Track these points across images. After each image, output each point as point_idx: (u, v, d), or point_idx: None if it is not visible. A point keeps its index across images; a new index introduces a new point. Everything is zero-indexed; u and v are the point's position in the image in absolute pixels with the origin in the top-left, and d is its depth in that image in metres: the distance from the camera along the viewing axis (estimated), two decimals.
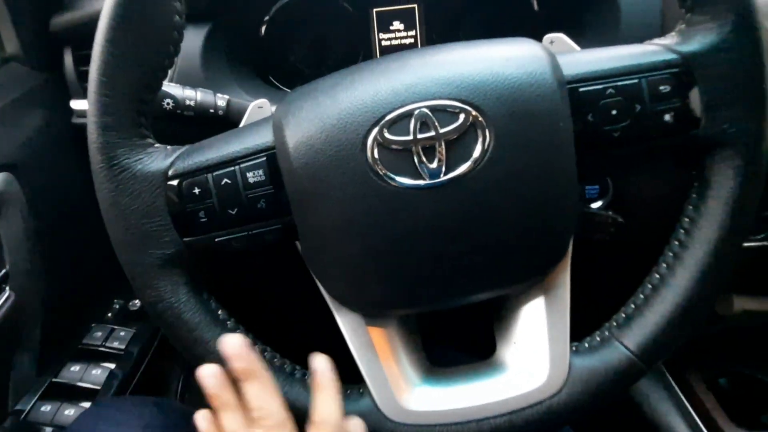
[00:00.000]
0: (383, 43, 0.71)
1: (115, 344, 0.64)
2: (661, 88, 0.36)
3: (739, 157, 0.36)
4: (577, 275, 0.41)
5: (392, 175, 0.35)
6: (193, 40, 0.59)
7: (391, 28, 0.70)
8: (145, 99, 0.38)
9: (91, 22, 0.62)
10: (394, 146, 0.35)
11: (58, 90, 0.66)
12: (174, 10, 0.38)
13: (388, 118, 0.35)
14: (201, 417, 0.39)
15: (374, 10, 0.69)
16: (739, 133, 0.36)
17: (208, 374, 0.37)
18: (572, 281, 0.41)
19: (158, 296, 0.39)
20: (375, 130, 0.35)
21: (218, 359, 0.39)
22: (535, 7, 0.68)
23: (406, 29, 0.70)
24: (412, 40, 0.70)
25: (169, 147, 0.40)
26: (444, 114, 0.34)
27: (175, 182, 0.38)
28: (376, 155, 0.35)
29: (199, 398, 0.38)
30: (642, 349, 0.39)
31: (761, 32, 0.35)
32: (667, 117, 0.36)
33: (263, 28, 0.68)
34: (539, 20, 0.68)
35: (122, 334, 0.65)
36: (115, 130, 0.37)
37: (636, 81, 0.36)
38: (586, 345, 0.41)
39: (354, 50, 0.71)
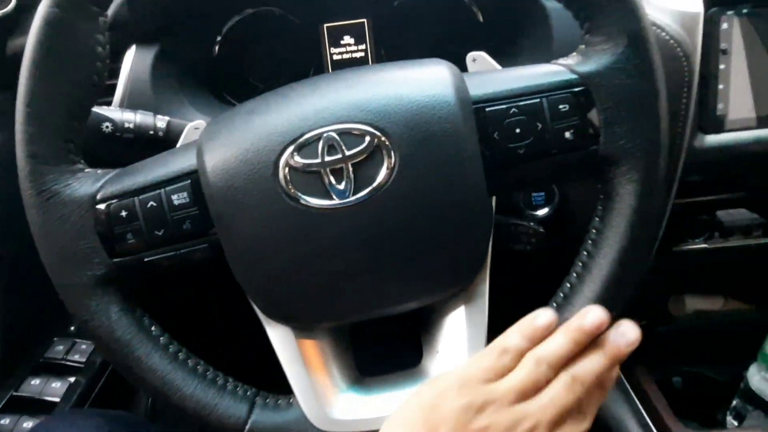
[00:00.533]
0: (335, 57, 0.72)
1: (77, 357, 0.66)
2: (561, 107, 0.38)
3: (637, 171, 0.38)
4: (502, 283, 0.43)
5: (304, 197, 0.37)
6: (142, 61, 0.61)
7: (342, 42, 0.72)
8: (71, 127, 0.40)
9: None
10: (304, 169, 0.36)
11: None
12: (96, 42, 0.39)
13: (297, 142, 0.36)
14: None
15: (325, 25, 0.71)
16: (636, 148, 0.38)
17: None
18: (498, 289, 0.43)
19: (90, 315, 0.40)
20: (286, 154, 0.36)
21: (152, 373, 0.40)
22: (480, 18, 0.69)
23: (356, 43, 0.72)
24: (362, 54, 0.72)
25: (99, 171, 0.42)
26: (350, 137, 0.36)
27: (103, 206, 0.39)
28: (287, 177, 0.36)
29: (169, 413, 0.40)
30: None
31: (653, 52, 0.37)
32: (568, 134, 0.38)
33: (216, 48, 0.70)
34: (483, 32, 0.70)
35: (84, 347, 0.67)
36: (42, 158, 0.39)
37: (538, 100, 0.38)
38: None
39: (306, 64, 0.73)
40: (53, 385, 0.62)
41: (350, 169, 0.36)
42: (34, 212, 0.39)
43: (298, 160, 0.36)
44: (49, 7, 0.37)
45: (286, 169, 0.36)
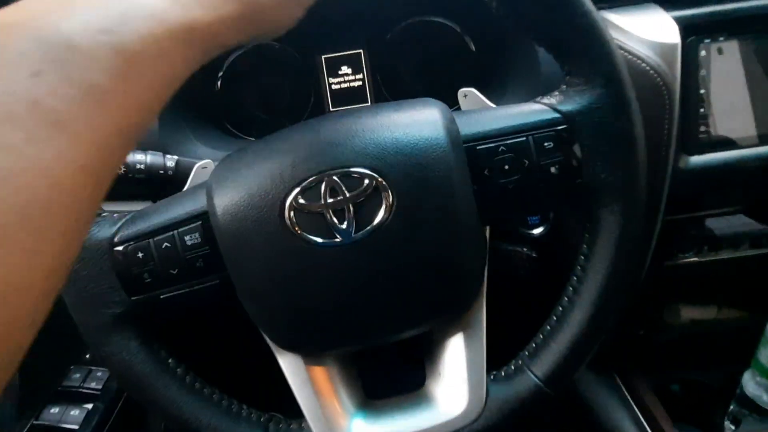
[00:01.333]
0: (333, 86, 0.75)
1: (93, 384, 0.68)
2: (546, 144, 0.41)
3: (617, 202, 0.41)
4: (499, 307, 0.46)
5: (308, 236, 0.39)
6: None
7: (340, 72, 0.75)
8: None
9: None
10: (308, 210, 0.39)
11: None
12: None
13: (302, 185, 0.39)
14: None
15: (323, 56, 0.74)
16: (616, 180, 0.40)
17: None
18: (494, 313, 0.45)
19: (111, 351, 0.43)
20: (291, 197, 0.39)
21: (171, 404, 0.43)
22: (472, 47, 0.72)
23: (353, 73, 0.75)
24: (360, 83, 0.75)
25: (115, 215, 0.44)
26: (351, 179, 0.39)
27: (120, 248, 0.42)
28: (293, 218, 0.39)
29: None
30: (547, 377, 0.43)
31: (627, 91, 0.40)
32: (553, 169, 0.41)
33: (218, 83, 0.73)
34: (476, 61, 0.73)
35: (99, 374, 0.69)
36: None
37: (524, 139, 0.41)
38: (503, 374, 0.45)
39: (306, 94, 0.76)
40: (72, 413, 0.65)
41: (351, 209, 0.39)
42: None
43: (303, 202, 0.39)
44: None
45: (292, 211, 0.39)
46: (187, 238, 0.42)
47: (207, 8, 0.28)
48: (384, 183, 0.39)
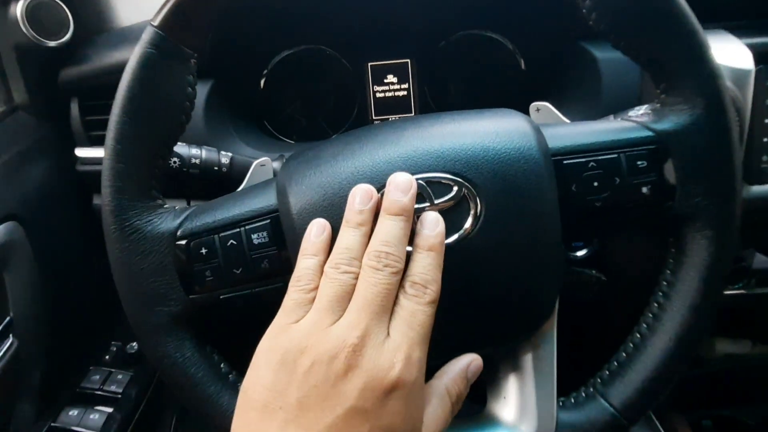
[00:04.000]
0: (377, 95, 0.74)
1: (113, 387, 0.65)
2: (638, 162, 0.39)
3: (710, 229, 0.39)
4: (565, 331, 0.44)
5: None
6: (197, 96, 0.62)
7: (385, 81, 0.74)
8: (156, 165, 0.40)
9: (100, 75, 0.66)
10: None
11: (63, 139, 0.68)
12: (187, 83, 0.40)
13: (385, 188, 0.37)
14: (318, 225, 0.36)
15: (369, 64, 0.73)
16: (711, 206, 0.39)
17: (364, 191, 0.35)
18: (560, 337, 0.43)
19: (164, 353, 0.40)
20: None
21: (222, 414, 0.40)
22: (522, 66, 0.71)
23: (399, 82, 0.74)
24: (405, 93, 0.74)
25: (177, 207, 0.42)
26: (438, 186, 0.37)
27: (183, 242, 0.40)
28: None
29: None
30: (625, 406, 0.41)
31: (730, 114, 0.39)
32: (645, 189, 0.39)
33: (263, 81, 0.71)
34: (526, 78, 0.72)
35: (120, 377, 0.66)
36: (127, 194, 0.39)
37: (615, 155, 0.39)
38: (572, 400, 0.43)
39: (350, 101, 0.74)
40: (91, 416, 0.61)
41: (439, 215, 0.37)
42: (116, 247, 0.39)
43: None
44: (147, 48, 0.38)
45: None
46: (254, 236, 0.40)
47: None
48: (473, 191, 0.37)
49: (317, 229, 0.36)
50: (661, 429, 0.74)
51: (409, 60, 0.73)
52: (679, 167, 0.39)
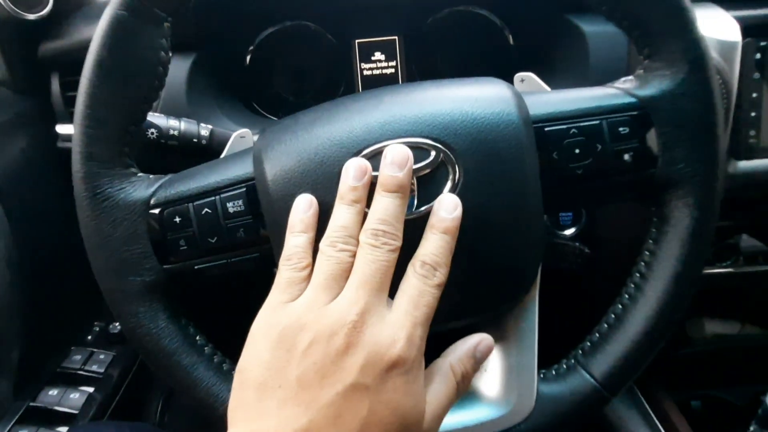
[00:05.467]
0: (365, 72, 0.73)
1: (95, 367, 0.64)
2: (621, 129, 0.38)
3: (693, 196, 0.38)
4: (547, 303, 0.43)
5: (367, 209, 0.36)
6: (178, 69, 0.61)
7: (373, 58, 0.73)
8: (129, 130, 0.39)
9: (80, 50, 0.63)
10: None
11: (44, 114, 0.67)
12: (160, 46, 0.39)
13: (362, 154, 0.36)
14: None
15: (356, 41, 0.72)
16: (693, 172, 0.38)
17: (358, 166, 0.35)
18: (542, 309, 0.43)
19: (137, 323, 0.39)
20: None
21: (196, 384, 0.40)
22: (510, 41, 0.70)
23: (386, 60, 0.73)
24: (392, 71, 0.73)
25: (151, 176, 0.41)
26: (416, 151, 0.36)
27: (156, 211, 0.39)
28: None
29: (178, 422, 0.39)
30: (606, 377, 0.40)
31: (713, 79, 0.38)
32: (626, 156, 0.39)
33: (248, 57, 0.70)
34: (514, 54, 0.71)
35: (102, 357, 0.66)
36: (98, 161, 0.38)
37: (597, 122, 0.39)
38: (554, 372, 0.42)
39: (336, 79, 0.73)
40: (71, 396, 0.61)
41: (415, 182, 0.36)
42: (88, 214, 0.39)
43: None
44: (117, 9, 0.37)
45: None
46: (229, 204, 0.39)
47: None
48: (452, 156, 0.36)
49: (304, 204, 0.36)
50: (649, 409, 0.74)
51: (396, 37, 0.72)
52: (662, 133, 0.38)
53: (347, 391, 0.29)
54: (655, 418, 0.72)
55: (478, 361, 0.36)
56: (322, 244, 0.34)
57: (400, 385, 0.30)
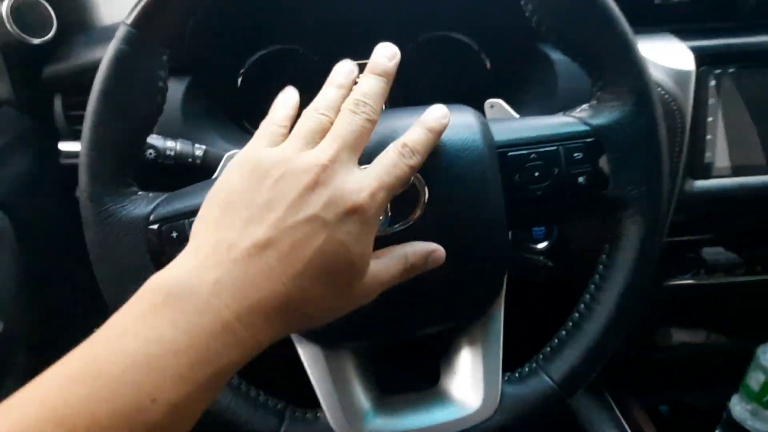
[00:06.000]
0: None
1: None
2: (575, 154, 0.43)
3: (641, 215, 0.43)
4: (513, 311, 0.47)
5: None
6: (173, 92, 0.64)
7: (357, 80, 0.77)
8: (130, 153, 0.43)
9: (82, 72, 0.68)
10: None
11: (47, 132, 0.70)
12: (158, 77, 0.43)
13: None
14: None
15: None
16: (641, 194, 0.43)
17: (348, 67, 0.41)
18: (509, 317, 0.47)
19: None
20: None
21: None
22: (488, 65, 0.75)
23: None
24: None
25: (150, 194, 0.45)
26: None
27: (155, 226, 0.43)
28: None
29: None
30: (563, 380, 0.44)
31: (657, 111, 0.42)
32: (581, 179, 0.43)
33: (239, 80, 0.74)
34: (490, 77, 0.75)
35: None
36: (103, 181, 0.42)
37: (555, 148, 0.43)
38: (517, 375, 0.46)
39: None
40: None
41: (388, 204, 0.40)
42: (93, 230, 0.42)
43: None
44: (121, 44, 0.41)
45: None
46: None
47: (236, 346, 0.31)
48: (421, 180, 0.40)
49: (288, 93, 0.42)
50: (619, 414, 0.78)
51: None
52: (612, 159, 0.43)
53: (308, 220, 0.32)
54: (624, 423, 0.76)
55: (426, 265, 0.39)
56: (304, 112, 0.37)
57: (355, 230, 0.33)
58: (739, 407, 0.76)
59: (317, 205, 0.32)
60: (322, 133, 0.36)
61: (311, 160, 0.33)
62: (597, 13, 0.41)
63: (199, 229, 0.35)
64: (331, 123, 0.36)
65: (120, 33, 0.41)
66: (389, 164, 0.36)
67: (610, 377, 0.84)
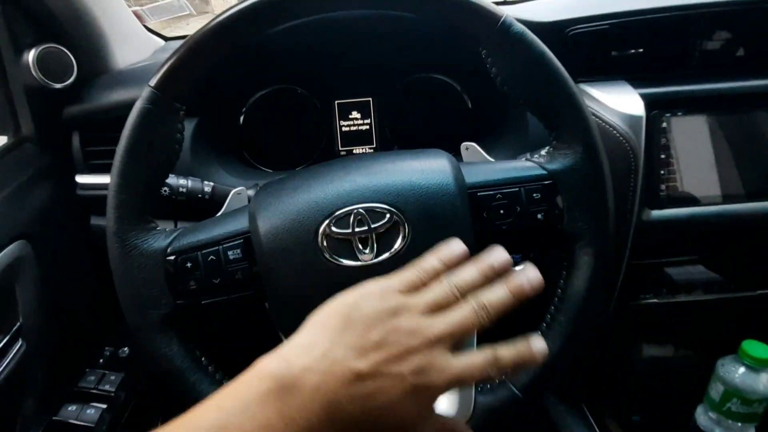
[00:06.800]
0: (343, 128, 0.84)
1: (107, 387, 0.74)
2: (534, 195, 0.50)
3: (591, 246, 0.50)
4: (488, 331, 0.53)
5: (337, 258, 0.47)
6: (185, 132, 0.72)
7: (350, 116, 0.84)
8: (151, 194, 0.50)
9: (98, 112, 0.75)
10: (338, 236, 0.47)
11: (65, 166, 0.77)
12: (176, 129, 0.50)
13: (334, 215, 0.47)
14: None
15: (336, 101, 0.84)
16: (590, 229, 0.49)
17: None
18: (484, 335, 0.53)
19: (155, 347, 0.49)
20: (324, 225, 0.47)
21: (199, 398, 0.49)
22: (469, 105, 0.82)
23: (362, 118, 0.84)
24: (367, 127, 0.84)
25: (168, 229, 0.52)
26: (375, 213, 0.47)
27: (172, 258, 0.49)
28: (324, 243, 0.47)
29: None
30: (525, 389, 0.51)
31: (602, 158, 0.49)
32: (539, 216, 0.50)
33: (242, 118, 0.81)
34: (472, 117, 0.83)
35: (113, 378, 0.75)
36: (127, 219, 0.49)
37: (517, 189, 0.50)
38: (488, 386, 0.53)
39: (319, 134, 0.84)
40: (87, 411, 0.70)
41: (374, 238, 0.47)
42: (118, 262, 0.49)
43: (334, 230, 0.47)
44: (145, 103, 0.48)
45: (324, 237, 0.47)
46: (230, 253, 0.49)
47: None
48: (402, 218, 0.47)
49: (460, 249, 0.42)
50: (594, 425, 0.84)
51: (371, 98, 0.84)
52: (565, 198, 0.50)
53: (396, 376, 0.36)
54: None
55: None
56: (442, 277, 0.40)
57: (422, 403, 0.37)
58: (703, 417, 0.82)
59: (410, 368, 0.36)
60: (447, 306, 0.39)
61: (426, 326, 0.37)
62: (548, 78, 0.48)
63: (316, 326, 0.39)
64: (456, 300, 0.39)
65: (145, 94, 0.48)
66: (474, 363, 0.38)
67: (588, 390, 0.90)
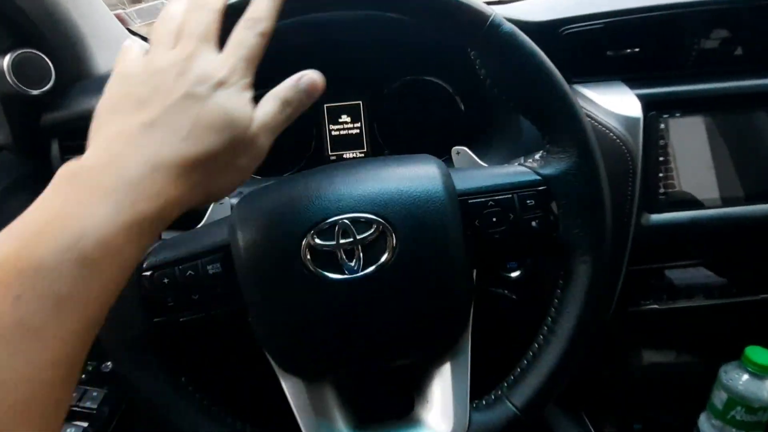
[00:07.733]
0: (333, 132, 0.82)
1: (88, 404, 0.71)
2: (528, 201, 0.47)
3: (588, 254, 0.47)
4: (482, 344, 0.51)
5: (321, 271, 0.44)
6: None
7: (340, 120, 0.82)
8: None
9: (77, 119, 0.73)
10: (322, 248, 0.44)
11: (43, 175, 0.74)
12: None
13: (318, 227, 0.44)
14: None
15: (325, 105, 0.81)
16: (587, 236, 0.47)
17: None
18: (478, 349, 0.51)
19: (131, 369, 0.47)
20: (307, 237, 0.44)
21: (182, 419, 0.47)
22: (462, 107, 0.80)
23: (352, 121, 0.82)
24: (357, 131, 0.82)
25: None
26: (360, 224, 0.45)
27: (148, 273, 0.47)
28: (308, 256, 0.44)
29: None
30: (524, 405, 0.48)
31: (598, 161, 0.47)
32: (534, 223, 0.47)
33: None
34: (464, 119, 0.81)
35: (95, 394, 0.72)
36: None
37: (510, 196, 0.48)
38: (484, 402, 0.50)
39: (308, 138, 0.82)
40: (69, 430, 0.67)
41: (360, 249, 0.44)
42: None
43: (318, 241, 0.44)
44: None
45: (308, 249, 0.44)
46: (209, 267, 0.47)
47: (152, 198, 0.33)
48: (389, 228, 0.45)
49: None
50: (592, 430, 0.82)
51: (360, 102, 0.81)
52: (560, 205, 0.47)
53: (183, 98, 0.35)
54: None
55: (300, 91, 0.42)
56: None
57: (226, 96, 0.36)
58: (706, 425, 0.80)
59: (188, 84, 0.36)
60: (180, 34, 0.39)
61: (174, 55, 0.37)
62: (540, 80, 0.46)
63: (96, 126, 0.37)
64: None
65: None
66: (238, 40, 0.39)
67: (587, 398, 0.88)
